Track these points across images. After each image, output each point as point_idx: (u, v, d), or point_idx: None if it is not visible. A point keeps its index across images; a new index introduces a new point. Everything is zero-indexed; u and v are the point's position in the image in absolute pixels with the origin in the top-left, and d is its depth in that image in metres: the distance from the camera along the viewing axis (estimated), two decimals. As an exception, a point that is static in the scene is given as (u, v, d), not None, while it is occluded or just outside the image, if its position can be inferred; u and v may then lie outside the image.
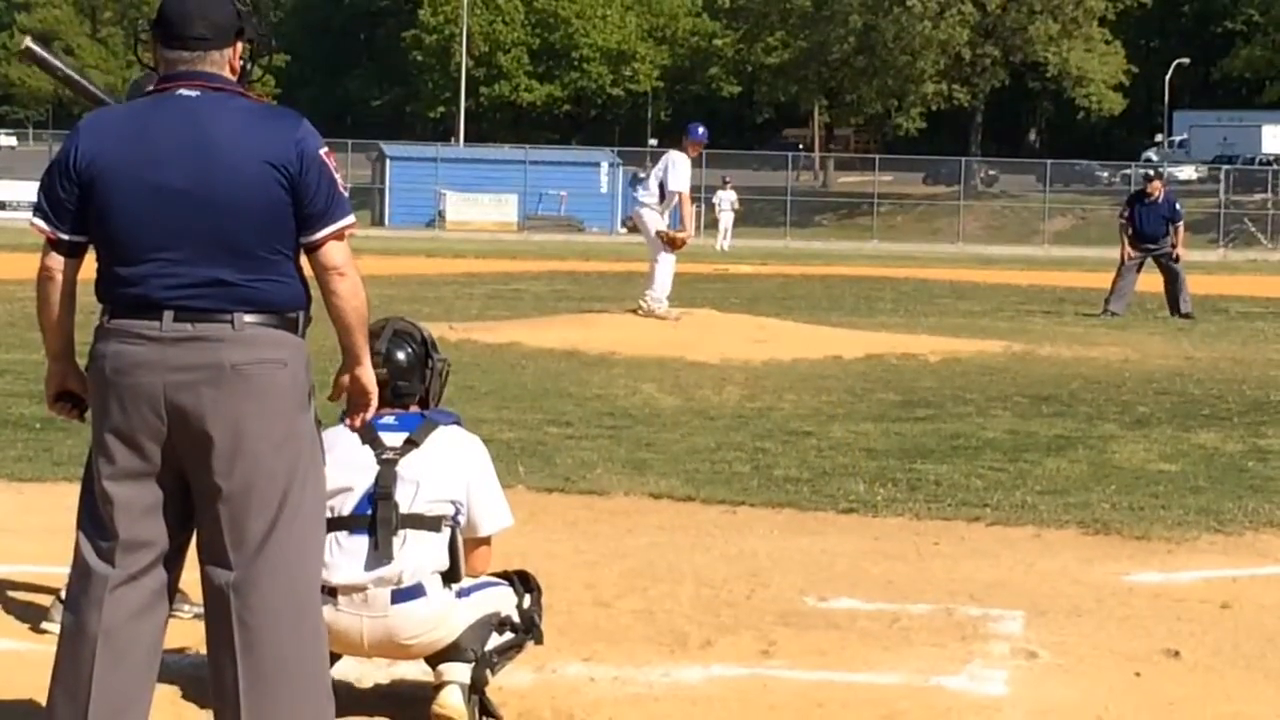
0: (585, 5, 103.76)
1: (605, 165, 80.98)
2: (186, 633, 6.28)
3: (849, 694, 6.43)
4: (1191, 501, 10.20)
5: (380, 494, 5.78)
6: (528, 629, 6.09)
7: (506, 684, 6.15)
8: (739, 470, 11.15)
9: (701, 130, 20.44)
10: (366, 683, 6.36)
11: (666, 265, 19.88)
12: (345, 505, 5.78)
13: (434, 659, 5.93)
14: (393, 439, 5.87)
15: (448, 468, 5.90)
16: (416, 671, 6.19)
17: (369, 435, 5.77)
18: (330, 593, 5.59)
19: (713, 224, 64.90)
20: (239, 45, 5.06)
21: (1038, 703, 6.43)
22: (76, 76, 7.59)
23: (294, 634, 4.96)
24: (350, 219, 5.00)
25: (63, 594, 5.55)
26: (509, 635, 6.02)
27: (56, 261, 5.01)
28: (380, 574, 5.73)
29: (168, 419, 4.89)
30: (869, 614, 7.59)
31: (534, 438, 12.24)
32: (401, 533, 5.77)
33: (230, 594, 4.92)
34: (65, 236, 4.98)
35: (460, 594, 5.89)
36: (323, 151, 4.98)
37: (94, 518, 5.00)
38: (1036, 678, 6.71)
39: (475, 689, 5.88)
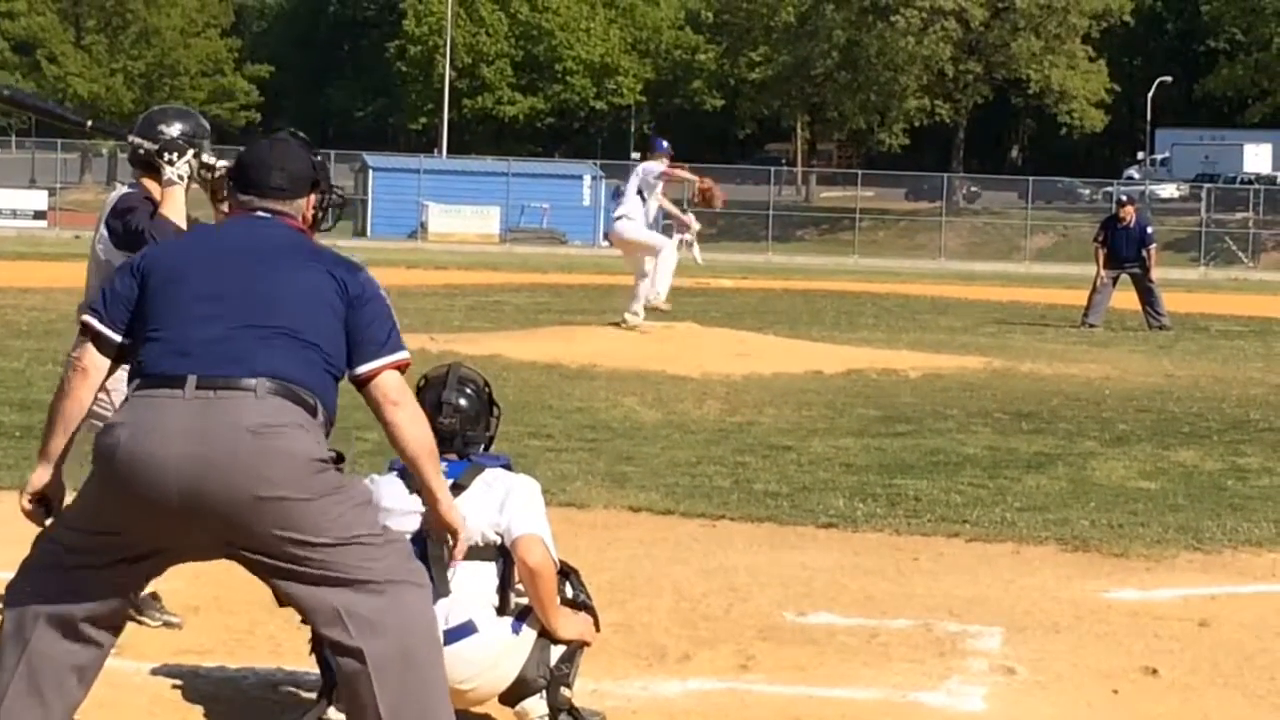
0: (569, 18, 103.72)
1: (588, 178, 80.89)
2: (184, 642, 6.24)
3: (827, 709, 6.43)
4: (1170, 519, 10.21)
5: (430, 533, 5.66)
6: None
7: (484, 696, 6.12)
8: (719, 484, 11.15)
9: (665, 144, 20.66)
10: None
11: (666, 265, 19.82)
12: None
13: (509, 699, 5.83)
14: None
15: (492, 501, 5.79)
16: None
17: (415, 484, 5.51)
18: None
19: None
20: (313, 196, 5.23)
21: (1016, 719, 6.44)
22: (45, 105, 7.66)
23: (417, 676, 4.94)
24: (407, 355, 5.06)
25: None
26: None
27: (94, 358, 5.03)
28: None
29: (181, 484, 4.75)
30: (847, 629, 7.59)
31: (514, 450, 12.18)
32: (452, 566, 5.68)
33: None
34: (109, 333, 4.99)
35: (514, 628, 5.78)
36: (384, 295, 5.10)
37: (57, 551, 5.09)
38: (1015, 694, 6.71)
39: (560, 710, 5.82)
